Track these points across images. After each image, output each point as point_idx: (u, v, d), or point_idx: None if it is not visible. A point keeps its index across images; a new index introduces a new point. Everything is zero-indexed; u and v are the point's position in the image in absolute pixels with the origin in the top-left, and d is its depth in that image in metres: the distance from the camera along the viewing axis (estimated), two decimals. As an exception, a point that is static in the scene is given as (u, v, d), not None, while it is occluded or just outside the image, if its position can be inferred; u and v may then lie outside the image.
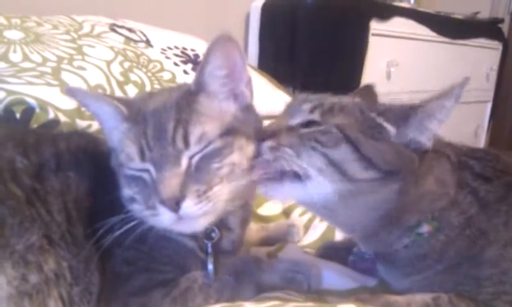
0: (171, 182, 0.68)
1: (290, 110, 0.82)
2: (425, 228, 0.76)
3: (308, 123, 0.76)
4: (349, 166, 0.72)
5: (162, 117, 0.73)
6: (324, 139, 0.73)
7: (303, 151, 0.73)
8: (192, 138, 0.71)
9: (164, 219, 0.70)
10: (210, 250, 0.82)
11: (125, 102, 0.78)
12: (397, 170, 0.73)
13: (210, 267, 0.82)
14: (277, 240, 1.04)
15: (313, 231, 1.10)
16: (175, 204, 0.68)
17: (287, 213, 1.19)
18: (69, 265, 0.72)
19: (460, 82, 0.70)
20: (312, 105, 0.78)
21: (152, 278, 0.78)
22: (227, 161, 0.73)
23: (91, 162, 0.83)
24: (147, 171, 0.72)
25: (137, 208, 0.73)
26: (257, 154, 0.76)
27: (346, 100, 0.81)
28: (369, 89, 0.96)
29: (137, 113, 0.75)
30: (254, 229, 1.04)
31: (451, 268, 0.76)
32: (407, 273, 0.80)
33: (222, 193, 0.72)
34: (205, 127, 0.73)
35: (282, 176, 0.75)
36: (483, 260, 0.74)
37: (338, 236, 1.07)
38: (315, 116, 0.76)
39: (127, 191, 0.75)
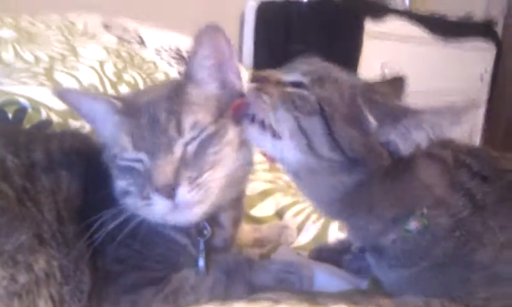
0: (165, 169, 0.69)
1: (289, 65, 0.81)
2: (413, 225, 0.74)
3: (296, 84, 0.76)
4: (316, 139, 0.71)
5: (155, 108, 0.74)
6: (301, 104, 0.72)
7: (279, 107, 0.73)
8: (186, 125, 0.73)
9: (158, 208, 0.70)
10: (202, 247, 0.82)
11: (117, 97, 0.79)
12: (363, 162, 0.71)
13: (202, 263, 0.82)
14: (270, 241, 1.04)
15: (306, 233, 1.09)
16: (170, 191, 0.69)
17: (279, 214, 1.19)
18: (59, 264, 0.71)
19: (464, 105, 0.67)
20: (307, 69, 0.77)
21: (143, 276, 0.78)
22: (219, 147, 0.75)
23: (83, 162, 0.82)
24: (140, 161, 0.73)
25: (131, 201, 0.74)
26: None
27: (346, 77, 0.77)
28: (399, 82, 0.90)
29: (129, 106, 0.76)
30: (247, 230, 1.04)
31: (437, 267, 0.75)
32: (394, 266, 0.79)
33: (214, 178, 0.73)
34: (197, 115, 0.75)
35: (260, 124, 0.76)
36: (474, 262, 0.72)
37: (331, 238, 1.06)
38: (305, 80, 0.75)
39: (120, 183, 0.75)
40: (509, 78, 3.56)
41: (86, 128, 1.11)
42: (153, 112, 0.74)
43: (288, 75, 0.78)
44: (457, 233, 0.73)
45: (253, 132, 0.77)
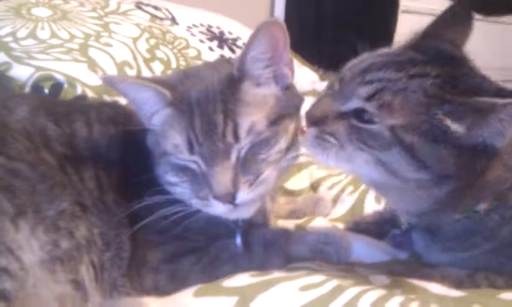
0: (224, 178, 0.70)
1: (343, 88, 0.71)
2: (482, 206, 0.71)
3: (359, 112, 0.68)
4: (397, 166, 0.66)
5: (209, 108, 0.72)
6: (375, 143, 0.66)
7: (348, 147, 0.68)
8: (242, 132, 0.71)
9: (217, 209, 0.73)
10: (241, 222, 0.82)
11: (166, 84, 0.75)
12: (454, 175, 0.65)
13: (239, 239, 0.82)
14: (305, 213, 1.03)
15: (342, 205, 1.08)
16: (229, 199, 0.70)
17: (314, 187, 1.18)
18: (100, 232, 0.73)
19: None
20: (370, 90, 0.66)
21: (182, 246, 0.79)
22: (274, 150, 0.74)
23: (121, 133, 0.83)
24: (195, 162, 0.73)
25: (182, 193, 0.75)
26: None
27: (416, 84, 0.65)
28: (458, 19, 0.77)
29: (180, 99, 0.74)
30: (282, 202, 1.03)
31: (499, 249, 0.72)
32: (449, 248, 0.77)
33: (270, 177, 0.74)
34: (253, 118, 0.73)
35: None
36: None
37: (368, 209, 1.04)
38: (371, 108, 0.66)
39: (172, 178, 0.75)
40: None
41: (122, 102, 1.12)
42: (207, 111, 0.71)
43: (347, 102, 0.69)
44: None
45: (319, 158, 0.73)
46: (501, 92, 0.62)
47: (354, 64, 0.73)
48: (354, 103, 0.68)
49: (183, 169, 0.74)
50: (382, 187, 0.74)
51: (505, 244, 0.72)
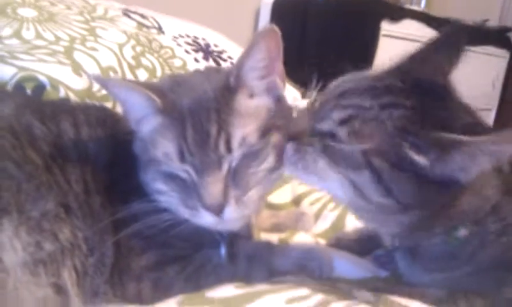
0: (214, 189, 0.69)
1: (321, 108, 0.73)
2: (462, 232, 0.71)
3: (332, 135, 0.69)
4: (368, 190, 0.67)
5: (202, 117, 0.70)
6: (346, 163, 0.67)
7: (323, 164, 0.69)
8: (235, 143, 0.70)
9: (205, 220, 0.71)
10: (226, 233, 0.81)
11: (157, 91, 0.73)
12: (419, 205, 0.67)
13: (223, 251, 0.81)
14: (288, 227, 1.03)
15: (323, 221, 1.08)
16: (218, 210, 0.69)
17: (296, 202, 1.18)
18: (84, 236, 0.71)
19: None
20: (342, 116, 0.68)
21: (167, 253, 0.77)
22: (264, 165, 0.74)
23: (109, 136, 0.81)
24: (186, 171, 0.71)
25: (170, 202, 0.74)
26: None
27: (386, 114, 0.66)
28: (452, 38, 0.76)
29: (171, 107, 0.72)
30: (265, 216, 1.03)
31: (479, 272, 0.73)
32: (430, 269, 0.77)
33: (255, 196, 0.74)
34: (246, 129, 0.72)
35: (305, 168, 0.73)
36: None
37: (349, 226, 1.05)
38: (341, 133, 0.67)
39: (160, 186, 0.74)
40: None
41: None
42: (200, 120, 0.70)
43: (323, 122, 0.70)
44: (504, 239, 0.70)
45: (297, 173, 0.74)
46: (469, 128, 0.63)
47: (336, 85, 0.75)
48: (328, 126, 0.69)
49: (172, 178, 0.72)
50: (354, 207, 0.75)
51: (484, 268, 0.73)
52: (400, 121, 0.65)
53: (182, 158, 0.70)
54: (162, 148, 0.71)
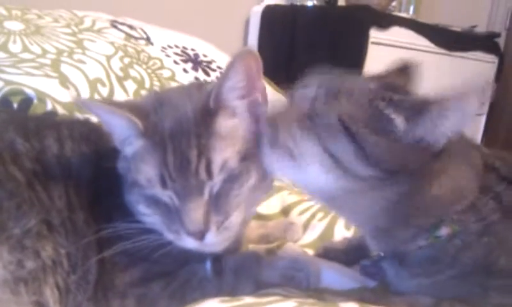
0: (196, 215, 0.69)
1: (297, 93, 0.76)
2: (443, 231, 0.71)
3: (312, 111, 0.70)
4: (346, 159, 0.67)
5: (182, 141, 0.70)
6: (325, 134, 0.68)
7: (297, 132, 0.70)
8: (215, 168, 0.70)
9: (187, 244, 0.72)
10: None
11: (139, 112, 0.72)
12: (402, 171, 0.67)
13: (209, 265, 0.81)
14: (276, 238, 1.03)
15: (312, 231, 1.08)
16: (200, 236, 0.70)
17: (285, 212, 1.18)
18: (67, 253, 0.70)
19: (482, 84, 0.62)
20: (315, 93, 0.71)
21: (151, 269, 0.77)
22: (245, 188, 0.74)
23: (93, 151, 0.81)
24: (168, 196, 0.71)
25: (154, 224, 0.74)
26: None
27: (358, 83, 0.72)
28: (407, 70, 0.83)
29: (153, 130, 0.72)
30: (253, 227, 1.03)
31: (463, 275, 0.73)
32: (416, 274, 0.77)
33: (237, 220, 0.74)
34: (226, 153, 0.71)
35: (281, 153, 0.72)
36: (496, 270, 0.70)
37: (337, 236, 1.05)
38: (318, 104, 0.70)
39: (144, 209, 0.74)
40: (510, 91, 3.57)
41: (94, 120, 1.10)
42: (180, 145, 0.70)
43: (300, 103, 0.72)
44: (485, 239, 0.70)
45: (272, 162, 0.74)
46: (438, 96, 0.66)
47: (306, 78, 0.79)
48: (305, 104, 0.72)
49: (156, 201, 0.72)
50: (333, 194, 0.72)
51: (467, 271, 0.72)
52: (374, 89, 0.69)
53: (164, 184, 0.70)
54: (145, 174, 0.71)
